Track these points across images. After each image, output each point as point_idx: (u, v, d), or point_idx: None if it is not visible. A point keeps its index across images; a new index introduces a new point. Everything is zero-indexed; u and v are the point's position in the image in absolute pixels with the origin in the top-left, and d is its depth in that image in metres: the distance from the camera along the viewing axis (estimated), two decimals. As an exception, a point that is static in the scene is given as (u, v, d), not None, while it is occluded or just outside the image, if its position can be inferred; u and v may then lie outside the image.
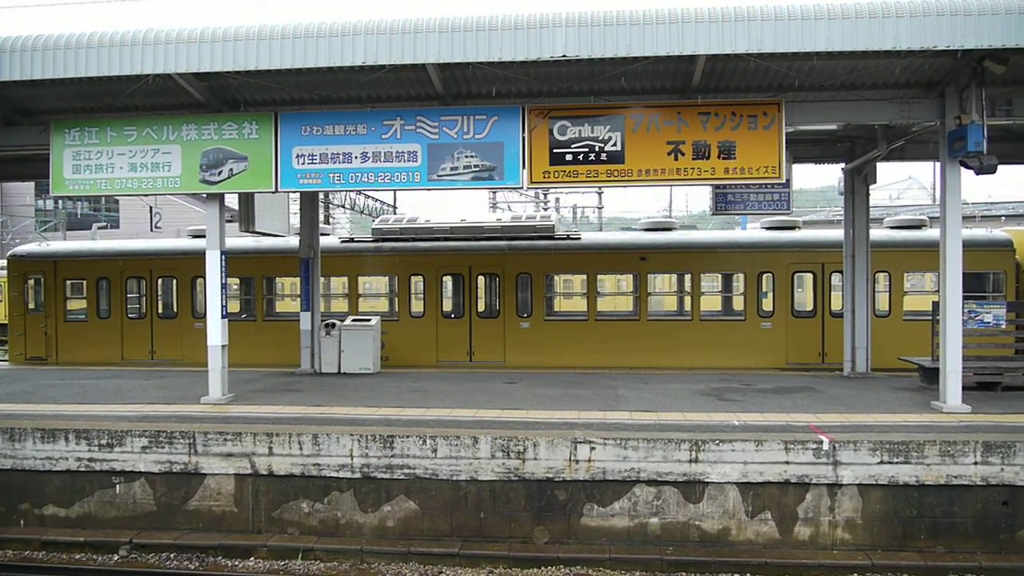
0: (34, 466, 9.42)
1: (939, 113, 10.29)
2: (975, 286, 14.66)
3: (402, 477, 8.91)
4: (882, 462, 8.37)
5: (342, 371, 14.25)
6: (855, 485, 8.42)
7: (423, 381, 13.15)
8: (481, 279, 16.59)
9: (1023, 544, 8.34)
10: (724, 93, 10.85)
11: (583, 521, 8.71)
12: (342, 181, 10.79)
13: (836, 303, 15.32)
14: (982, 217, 29.29)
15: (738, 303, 16.25)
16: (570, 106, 10.54)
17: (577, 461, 8.67)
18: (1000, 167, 10.11)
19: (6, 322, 19.45)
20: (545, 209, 30.83)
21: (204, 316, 11.73)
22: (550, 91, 10.88)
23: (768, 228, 16.92)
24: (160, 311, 17.56)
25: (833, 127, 12.81)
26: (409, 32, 9.22)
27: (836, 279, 15.32)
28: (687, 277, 16.22)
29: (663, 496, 8.61)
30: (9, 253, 18.81)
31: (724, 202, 14.62)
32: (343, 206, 27.41)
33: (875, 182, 13.64)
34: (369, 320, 14.69)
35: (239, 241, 16.90)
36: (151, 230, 29.44)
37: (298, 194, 14.54)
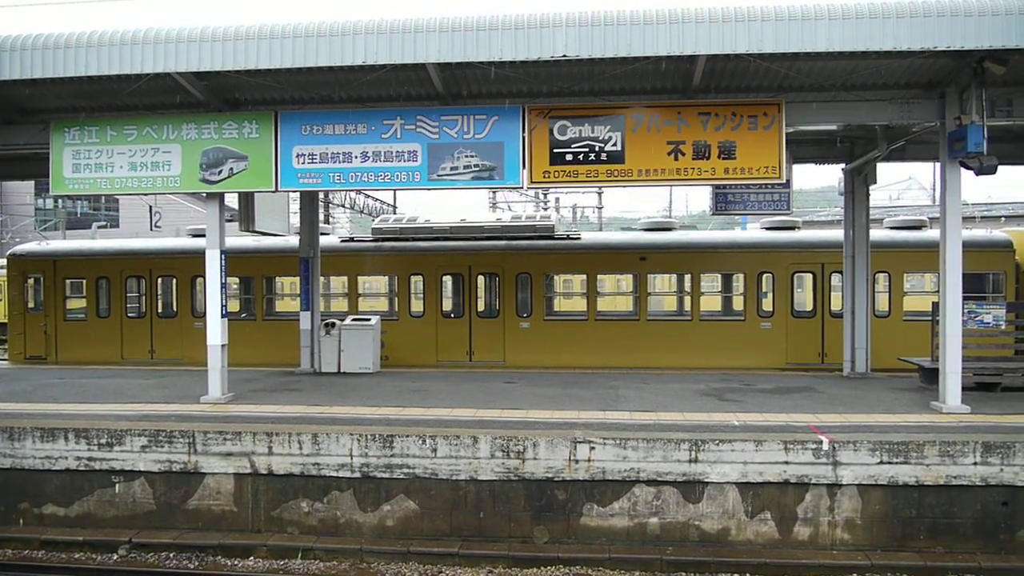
0: (33, 465, 9.41)
1: (939, 114, 10.30)
2: (975, 287, 14.66)
3: (402, 477, 8.90)
4: (882, 462, 8.36)
5: (342, 371, 14.24)
6: (855, 485, 8.42)
7: (423, 381, 13.15)
8: (481, 279, 16.59)
9: (1023, 544, 8.34)
10: (724, 93, 10.84)
11: (583, 521, 8.71)
12: (342, 181, 10.78)
13: (836, 303, 15.32)
14: (982, 218, 29.31)
15: (738, 303, 16.26)
16: (570, 106, 10.54)
17: (577, 461, 8.67)
18: (1000, 168, 10.11)
19: (6, 321, 19.45)
20: (545, 209, 30.82)
21: (204, 315, 11.73)
22: (550, 91, 10.87)
23: (768, 228, 16.93)
24: (160, 310, 17.56)
25: (833, 127, 12.79)
26: (409, 32, 9.21)
27: (836, 279, 15.33)
28: (687, 277, 16.22)
29: (663, 496, 8.61)
30: (9, 252, 18.81)
31: (724, 202, 14.63)
32: (343, 206, 27.39)
33: (875, 182, 13.65)
34: (369, 320, 14.69)
35: (239, 240, 16.90)
36: (151, 229, 29.41)
37: (298, 194, 14.55)
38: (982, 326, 11.16)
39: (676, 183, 10.88)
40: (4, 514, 9.49)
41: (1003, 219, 28.68)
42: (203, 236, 12.27)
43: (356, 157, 10.60)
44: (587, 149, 10.27)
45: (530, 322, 16.14)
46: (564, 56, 9.07)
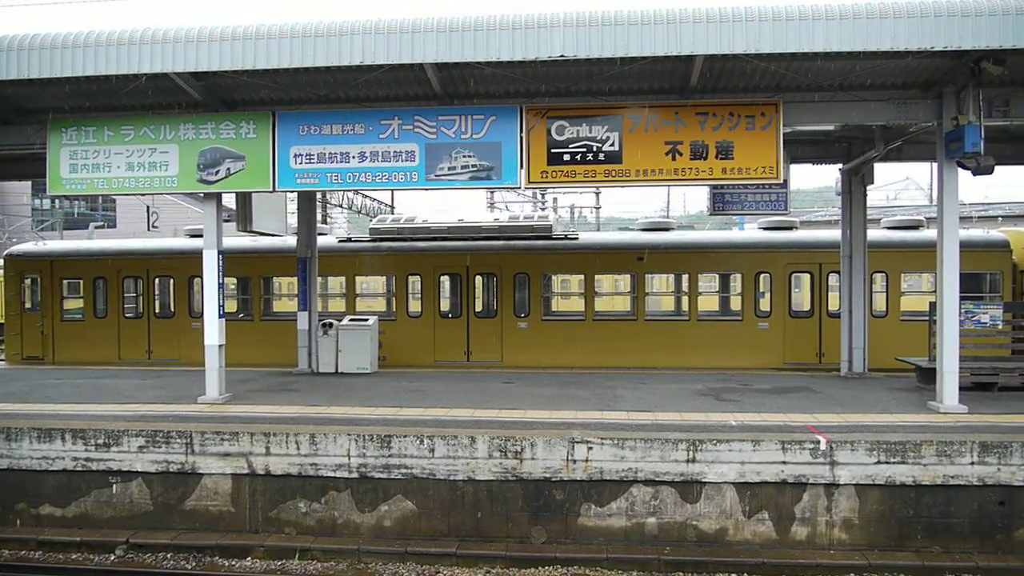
0: (30, 466, 9.39)
1: (936, 114, 10.31)
2: (972, 286, 14.67)
3: (399, 477, 8.90)
4: (879, 462, 8.38)
5: (339, 371, 14.23)
6: (852, 485, 8.43)
7: (420, 381, 13.14)
8: (479, 279, 16.58)
9: (1019, 544, 8.36)
10: (722, 93, 10.85)
11: (580, 521, 8.71)
12: (340, 181, 10.78)
13: (833, 303, 15.33)
14: (979, 218, 29.30)
15: (735, 303, 16.26)
16: (568, 106, 10.54)
17: (574, 461, 8.67)
18: (997, 168, 10.14)
19: (3, 321, 19.41)
20: (543, 209, 30.79)
21: (201, 316, 11.71)
22: (548, 91, 10.87)
23: (765, 228, 16.93)
24: (157, 311, 17.53)
25: (831, 127, 12.81)
26: (407, 32, 9.21)
27: (833, 279, 15.33)
28: (684, 277, 16.22)
29: (660, 496, 8.61)
30: (6, 252, 18.76)
31: (722, 202, 14.65)
32: (341, 206, 27.39)
33: (872, 183, 13.68)
34: (366, 320, 14.68)
35: (236, 241, 16.86)
36: (148, 229, 29.40)
37: (295, 194, 14.53)
38: (979, 326, 11.19)
39: (674, 183, 10.86)
40: (1, 515, 9.48)
41: (1000, 219, 28.66)
42: (200, 236, 12.25)
43: (354, 157, 10.60)
44: (585, 149, 10.27)
45: (528, 322, 16.13)
46: (562, 56, 9.08)
